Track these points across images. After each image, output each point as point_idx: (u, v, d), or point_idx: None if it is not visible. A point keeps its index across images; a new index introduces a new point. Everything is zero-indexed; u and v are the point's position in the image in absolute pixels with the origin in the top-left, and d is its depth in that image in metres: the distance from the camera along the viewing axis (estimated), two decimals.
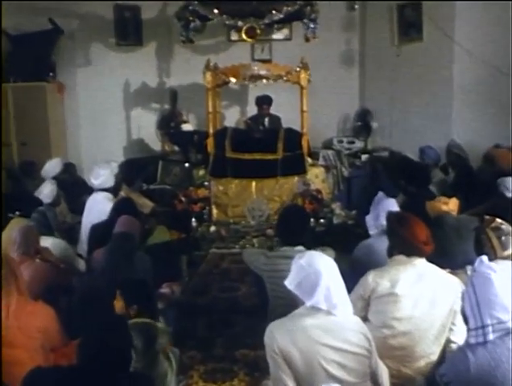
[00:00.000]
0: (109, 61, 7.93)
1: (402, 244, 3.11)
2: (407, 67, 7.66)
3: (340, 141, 8.23)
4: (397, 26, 7.72)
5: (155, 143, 8.33)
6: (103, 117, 8.01)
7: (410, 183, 5.55)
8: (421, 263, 3.11)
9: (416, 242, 3.06)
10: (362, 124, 8.14)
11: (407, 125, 7.76)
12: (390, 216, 3.28)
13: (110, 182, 5.48)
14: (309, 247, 3.47)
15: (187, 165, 6.84)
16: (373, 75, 8.27)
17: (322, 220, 6.19)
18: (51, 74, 7.45)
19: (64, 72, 7.55)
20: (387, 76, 7.91)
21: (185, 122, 7.93)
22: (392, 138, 7.99)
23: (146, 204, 6.15)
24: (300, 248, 3.54)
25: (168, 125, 8.16)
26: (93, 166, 5.59)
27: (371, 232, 3.89)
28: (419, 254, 3.08)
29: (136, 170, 7.50)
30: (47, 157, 6.76)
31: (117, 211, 4.39)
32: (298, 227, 3.62)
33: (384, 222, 3.67)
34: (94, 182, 5.46)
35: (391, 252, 3.21)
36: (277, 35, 8.37)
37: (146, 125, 8.23)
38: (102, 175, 5.46)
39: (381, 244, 3.64)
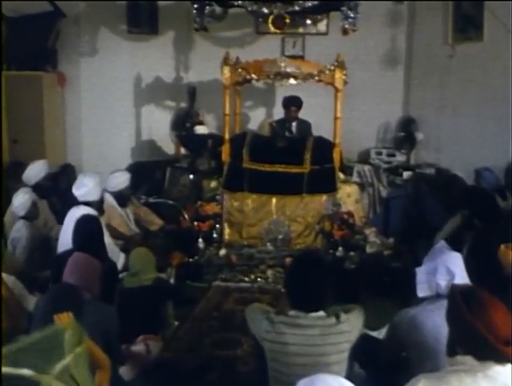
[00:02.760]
0: (118, 51, 7.30)
1: (472, 340, 1.99)
2: (462, 70, 6.74)
3: (379, 154, 7.34)
4: (452, 22, 6.76)
5: (168, 146, 7.58)
6: (109, 113, 7.34)
7: (474, 214, 4.46)
8: (502, 373, 1.97)
9: (495, 340, 1.93)
10: (405, 134, 7.19)
11: (458, 139, 6.82)
12: (454, 292, 2.14)
13: (94, 195, 4.63)
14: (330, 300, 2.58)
15: (191, 176, 5.87)
16: (420, 78, 7.40)
17: (352, 253, 5.12)
18: (50, 63, 6.72)
19: (65, 62, 6.88)
20: (437, 80, 7.06)
21: (200, 124, 7.02)
22: (440, 153, 7.07)
23: (154, 222, 5.58)
24: (318, 314, 2.52)
25: (184, 125, 7.38)
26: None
27: (420, 294, 2.80)
28: (499, 359, 1.96)
29: (141, 176, 6.61)
30: (41, 157, 5.99)
31: (77, 239, 3.41)
32: (315, 287, 2.57)
33: (442, 282, 2.66)
34: (75, 192, 4.63)
35: (453, 349, 2.08)
36: (311, 29, 7.61)
37: (158, 125, 7.58)
38: (85, 185, 4.62)
39: (433, 318, 2.59)
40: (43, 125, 6.66)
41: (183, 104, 7.64)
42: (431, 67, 7.15)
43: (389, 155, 7.25)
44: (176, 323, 4.04)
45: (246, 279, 5.08)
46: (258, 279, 5.08)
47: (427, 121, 7.15)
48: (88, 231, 3.65)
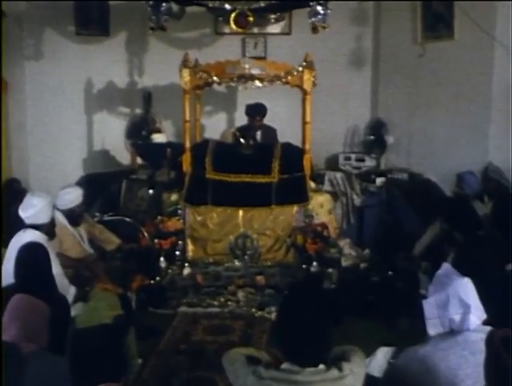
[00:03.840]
0: (66, 54, 6.73)
1: None
2: (433, 69, 6.44)
3: (348, 159, 6.97)
4: (421, 20, 6.44)
5: (123, 156, 7.07)
6: (58, 122, 6.75)
7: (454, 226, 4.15)
8: None
9: None
10: (375, 138, 6.88)
11: (431, 142, 6.52)
12: (494, 340, 1.73)
13: (44, 217, 4.05)
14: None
15: (150, 191, 5.40)
16: (389, 79, 7.11)
17: (330, 269, 4.73)
18: None
19: (8, 66, 6.10)
20: (407, 81, 6.78)
21: (158, 132, 6.53)
22: (411, 157, 6.77)
23: (110, 240, 5.15)
24: (318, 368, 2.05)
25: (139, 133, 6.87)
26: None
27: (432, 332, 2.39)
28: None
29: (95, 189, 6.09)
30: None
31: (19, 273, 2.89)
32: (314, 334, 2.09)
33: (456, 317, 2.30)
34: (22, 214, 4.05)
35: None
36: (273, 28, 7.26)
37: (112, 134, 7.04)
38: (34, 206, 4.05)
39: (448, 359, 2.22)
40: None
41: (139, 111, 7.22)
42: (400, 67, 6.87)
43: (358, 160, 6.92)
44: (140, 361, 3.54)
45: (215, 303, 4.68)
46: (229, 302, 4.66)
47: (397, 124, 6.86)
48: (32, 264, 3.13)
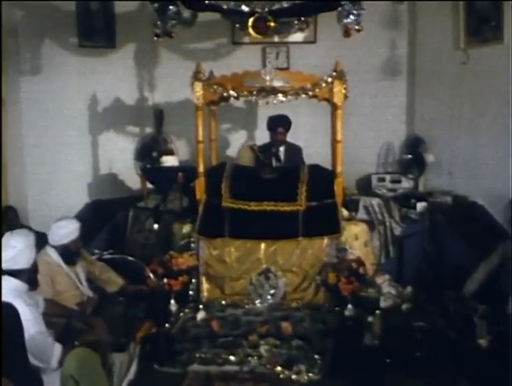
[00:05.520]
0: (67, 68, 6.36)
1: None
2: (477, 78, 5.91)
3: (381, 180, 6.44)
4: (464, 22, 5.91)
5: (133, 180, 6.51)
6: (59, 143, 6.36)
7: None
8: None
9: None
10: (412, 157, 6.26)
11: (476, 160, 6.00)
12: None
13: (24, 262, 3.33)
14: None
15: (156, 226, 4.79)
16: (427, 89, 6.61)
17: (371, 318, 4.00)
18: None
19: (3, 82, 5.70)
20: (448, 92, 6.27)
21: (170, 153, 6.02)
22: (454, 178, 6.22)
23: (112, 281, 4.60)
24: None
25: (150, 155, 6.32)
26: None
27: None
28: None
29: (100, 218, 5.52)
30: None
31: None
32: None
33: None
34: None
35: None
36: (296, 37, 6.84)
37: (120, 156, 6.61)
38: (12, 248, 3.34)
39: None
40: None
41: (149, 130, 6.85)
42: (440, 76, 6.36)
43: (393, 182, 6.37)
44: None
45: (233, 359, 3.93)
46: (249, 358, 3.93)
47: (437, 141, 6.31)
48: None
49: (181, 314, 4.60)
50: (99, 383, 2.91)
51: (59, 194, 6.19)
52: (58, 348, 3.23)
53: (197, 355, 3.96)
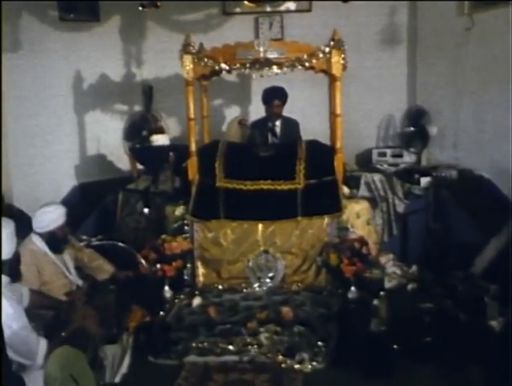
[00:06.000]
0: (49, 44, 6.03)
1: None
2: (482, 46, 5.60)
3: (382, 154, 6.22)
4: None
5: (123, 160, 6.30)
6: (43, 124, 6.01)
7: None
8: None
9: None
10: (415, 129, 6.00)
11: (481, 132, 5.72)
12: None
13: (5, 253, 3.10)
14: None
15: (146, 210, 4.56)
16: (429, 59, 6.35)
17: (376, 301, 3.78)
18: None
19: None
20: (451, 61, 5.98)
21: (160, 131, 5.79)
22: (458, 150, 5.98)
23: (102, 268, 4.43)
24: None
25: (139, 134, 6.07)
26: None
27: None
28: None
29: (88, 202, 5.30)
30: None
31: None
32: None
33: None
34: None
35: None
36: (290, 5, 6.64)
37: (108, 135, 6.39)
38: None
39: None
40: None
41: (138, 108, 6.68)
42: (443, 44, 6.09)
43: (394, 156, 6.15)
44: None
45: (232, 348, 3.72)
46: (249, 346, 3.72)
47: (440, 112, 6.07)
48: None
49: (176, 300, 4.46)
50: (86, 383, 2.66)
51: (44, 177, 5.92)
52: (43, 344, 3.03)
53: (194, 344, 3.76)
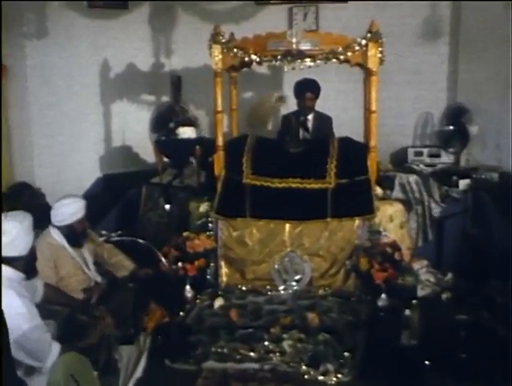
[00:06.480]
0: (76, 32, 6.01)
1: None
2: None
3: (419, 154, 5.97)
4: None
5: (149, 152, 6.15)
6: (68, 114, 6.01)
7: None
8: None
9: None
10: (454, 128, 5.78)
11: None
12: None
13: (20, 249, 2.99)
14: None
15: (167, 206, 4.45)
16: (471, 54, 6.08)
17: (408, 312, 3.58)
18: None
19: (6, 47, 5.40)
20: (495, 56, 5.73)
21: (187, 124, 5.65)
22: (501, 151, 5.70)
23: (122, 265, 4.30)
24: None
25: (166, 126, 5.94)
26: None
27: None
28: None
29: (112, 195, 5.24)
30: None
31: None
32: None
33: None
34: None
35: None
36: None
37: (134, 127, 6.34)
38: (7, 233, 2.93)
39: None
40: None
41: (166, 99, 6.58)
42: (487, 38, 5.83)
43: (432, 156, 5.92)
44: None
45: (252, 355, 3.57)
46: (270, 354, 3.55)
47: (482, 110, 5.80)
48: None
49: (197, 301, 4.31)
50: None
51: (69, 168, 5.91)
52: (56, 348, 2.89)
53: (213, 349, 3.62)
